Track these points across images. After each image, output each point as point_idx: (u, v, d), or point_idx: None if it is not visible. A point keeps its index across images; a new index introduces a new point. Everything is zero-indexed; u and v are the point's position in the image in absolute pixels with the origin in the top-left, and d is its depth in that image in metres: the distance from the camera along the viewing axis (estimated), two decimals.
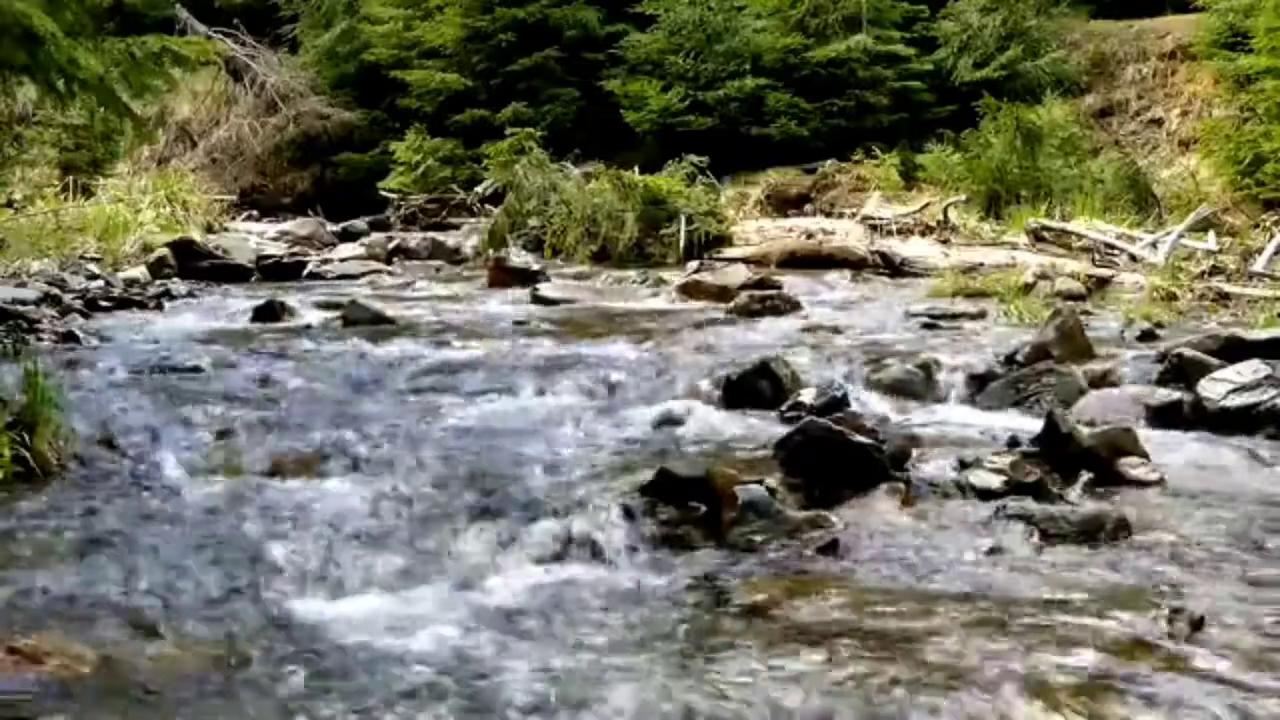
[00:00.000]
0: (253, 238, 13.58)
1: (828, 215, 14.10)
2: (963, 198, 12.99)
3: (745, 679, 2.97)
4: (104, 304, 8.91)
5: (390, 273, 12.04)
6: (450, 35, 18.13)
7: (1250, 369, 5.55)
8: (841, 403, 5.49)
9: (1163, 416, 5.50)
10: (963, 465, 4.53)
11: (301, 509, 4.19)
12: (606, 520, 4.02)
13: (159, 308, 9.11)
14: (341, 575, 3.67)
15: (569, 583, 3.70)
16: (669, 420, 5.55)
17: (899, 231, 12.45)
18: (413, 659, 3.12)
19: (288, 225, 15.22)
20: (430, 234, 14.83)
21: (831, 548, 3.91)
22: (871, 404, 5.80)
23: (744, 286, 9.31)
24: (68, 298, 8.67)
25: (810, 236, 12.17)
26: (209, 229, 13.66)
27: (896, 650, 3.12)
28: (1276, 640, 3.18)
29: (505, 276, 10.67)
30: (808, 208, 15.05)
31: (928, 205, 12.93)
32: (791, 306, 8.77)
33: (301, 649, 3.17)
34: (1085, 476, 4.53)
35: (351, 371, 6.44)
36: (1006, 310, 8.40)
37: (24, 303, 8.00)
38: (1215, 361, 5.84)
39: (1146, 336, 7.34)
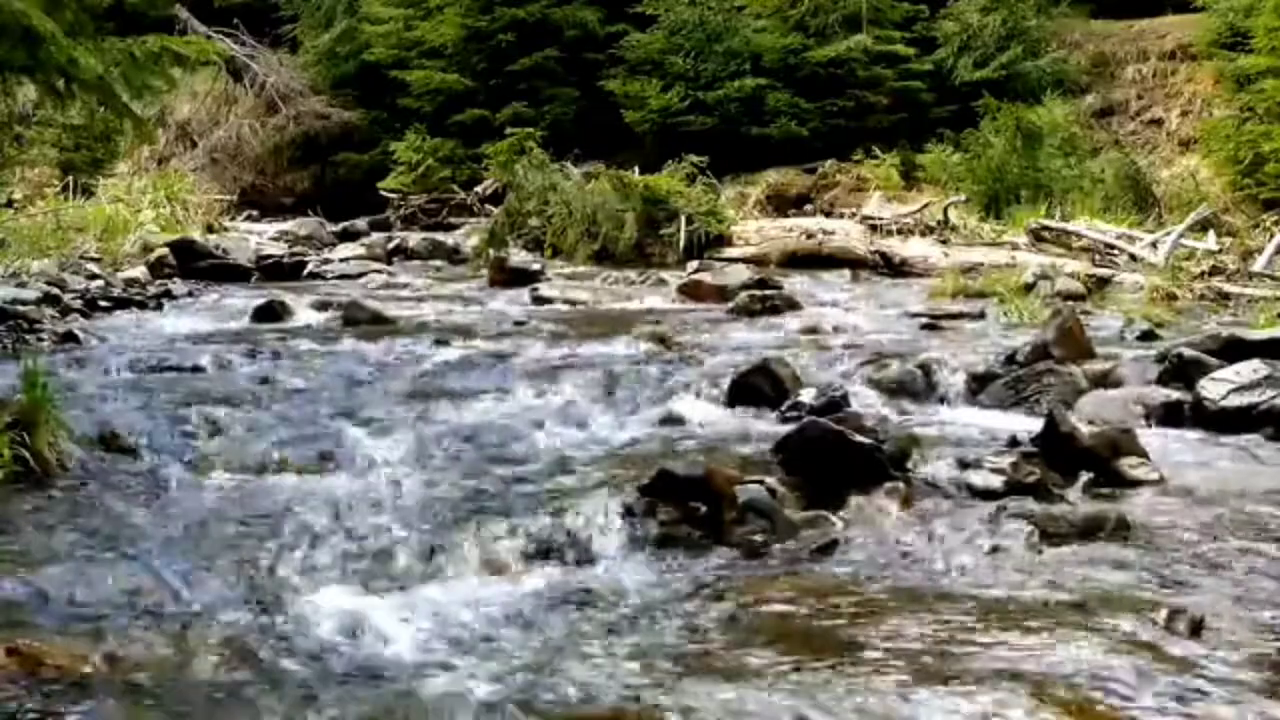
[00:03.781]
0: (253, 238, 13.58)
1: (828, 215, 14.11)
2: (963, 198, 13.00)
3: (745, 679, 2.97)
4: (104, 304, 8.91)
5: (390, 273, 12.04)
6: (450, 35, 18.14)
7: (1250, 369, 5.55)
8: (841, 403, 5.49)
9: (1163, 416, 5.50)
10: (963, 465, 4.53)
11: (300, 509, 4.19)
12: (606, 520, 4.02)
13: (159, 308, 9.12)
14: (341, 575, 3.67)
15: (568, 583, 3.70)
16: (669, 420, 5.55)
17: (899, 231, 12.46)
18: (413, 658, 3.12)
19: (288, 225, 15.22)
20: (430, 234, 14.84)
21: (831, 548, 3.91)
22: (871, 404, 5.79)
23: (744, 286, 9.31)
24: (68, 298, 8.67)
25: (810, 236, 12.17)
26: (209, 229, 13.66)
27: (896, 650, 3.11)
28: (1276, 640, 3.18)
29: (505, 276, 10.68)
30: (808, 208, 15.07)
31: (928, 205, 12.93)
32: (791, 306, 8.77)
33: (302, 648, 3.17)
34: (1085, 476, 4.53)
35: (351, 371, 6.44)
36: (1006, 310, 8.40)
37: (24, 303, 7.99)
38: (1215, 361, 5.84)
39: (1146, 336, 7.35)
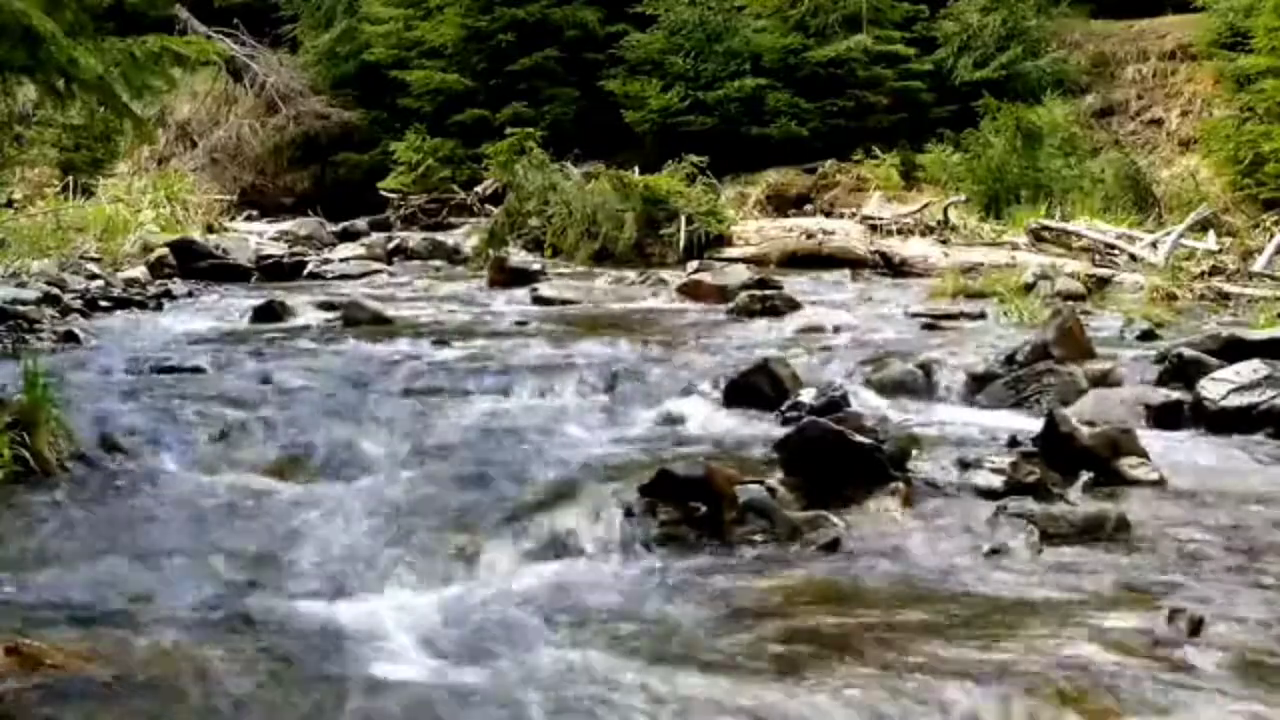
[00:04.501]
0: (253, 238, 13.57)
1: (828, 215, 14.10)
2: (963, 198, 12.99)
3: (745, 679, 2.97)
4: (104, 304, 8.91)
5: (390, 273, 12.04)
6: (450, 35, 18.13)
7: (1250, 369, 5.55)
8: (841, 403, 5.49)
9: (1163, 416, 5.50)
10: (963, 465, 4.53)
11: (301, 509, 4.19)
12: (606, 520, 4.02)
13: (159, 308, 9.12)
14: (341, 575, 3.67)
15: (568, 582, 3.70)
16: (669, 420, 5.56)
17: (899, 231, 12.45)
18: (412, 659, 3.12)
19: (288, 225, 15.21)
20: (430, 234, 14.84)
21: (832, 548, 3.91)
22: (871, 404, 5.79)
23: (744, 286, 9.30)
24: (68, 298, 8.66)
25: (810, 236, 12.17)
26: (209, 229, 13.66)
27: (896, 650, 3.11)
28: (1276, 641, 3.18)
29: (505, 276, 10.67)
30: (808, 208, 15.07)
31: (928, 205, 12.93)
32: (791, 306, 8.76)
33: (302, 649, 3.17)
34: (1085, 476, 4.53)
35: (351, 371, 6.44)
36: (1006, 310, 8.39)
37: (24, 303, 7.99)
38: (1215, 361, 5.84)
39: (1146, 336, 7.35)
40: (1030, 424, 5.14)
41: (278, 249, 12.84)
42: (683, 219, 12.24)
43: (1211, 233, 10.66)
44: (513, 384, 6.09)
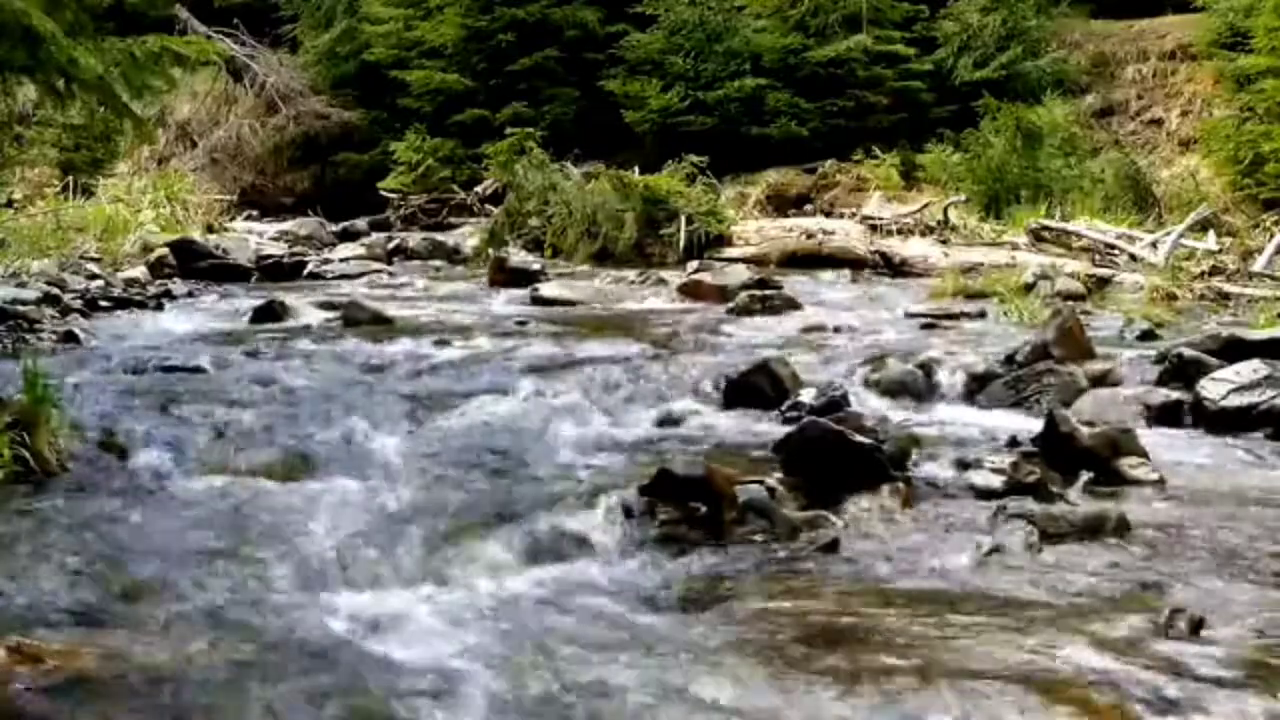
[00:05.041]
0: (253, 238, 13.56)
1: (828, 215, 14.09)
2: (963, 198, 12.99)
3: (746, 680, 2.97)
4: (104, 304, 8.90)
5: (390, 273, 12.03)
6: (450, 35, 18.13)
7: (1250, 369, 5.56)
8: (841, 403, 5.49)
9: (1163, 416, 5.51)
10: (963, 465, 4.54)
11: (301, 509, 4.19)
12: (606, 520, 4.02)
13: (159, 308, 9.11)
14: (340, 575, 3.67)
15: (568, 582, 3.70)
16: (669, 420, 5.56)
17: (899, 231, 12.45)
18: (411, 660, 3.12)
19: (288, 225, 15.20)
20: (430, 234, 14.83)
21: (832, 548, 3.91)
22: (871, 404, 5.80)
23: (744, 286, 9.30)
24: (68, 298, 8.65)
25: (810, 236, 12.16)
26: (209, 229, 13.65)
27: (897, 650, 3.12)
28: (1276, 640, 3.18)
29: (505, 276, 10.67)
30: (808, 208, 15.06)
31: (928, 205, 12.92)
32: (791, 306, 8.76)
33: (301, 649, 3.17)
34: (1085, 476, 4.54)
35: (351, 372, 6.44)
36: (1006, 310, 8.40)
37: (24, 303, 7.98)
38: (1215, 361, 5.85)
39: (1146, 336, 7.35)
40: (1030, 424, 5.14)
41: (278, 249, 12.82)
42: (683, 219, 12.24)
43: (1211, 233, 10.66)
44: (513, 384, 6.08)
